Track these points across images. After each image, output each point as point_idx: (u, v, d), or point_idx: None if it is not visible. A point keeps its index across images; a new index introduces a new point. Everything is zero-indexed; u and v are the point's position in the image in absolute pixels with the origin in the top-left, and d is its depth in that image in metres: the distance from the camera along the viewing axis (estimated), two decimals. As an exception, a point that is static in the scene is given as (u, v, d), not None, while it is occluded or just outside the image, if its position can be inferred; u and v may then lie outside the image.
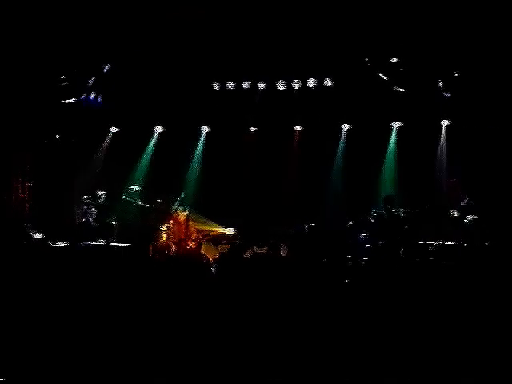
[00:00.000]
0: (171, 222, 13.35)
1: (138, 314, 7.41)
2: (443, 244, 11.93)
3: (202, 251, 13.16)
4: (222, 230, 13.94)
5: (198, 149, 14.91)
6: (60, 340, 6.71)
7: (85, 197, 13.67)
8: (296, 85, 14.03)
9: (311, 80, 13.95)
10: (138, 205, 13.60)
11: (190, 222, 13.53)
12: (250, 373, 6.02)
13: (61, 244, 12.30)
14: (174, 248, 12.92)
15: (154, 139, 14.93)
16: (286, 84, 14.06)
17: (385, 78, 13.16)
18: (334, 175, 14.16)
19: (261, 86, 14.14)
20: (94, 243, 12.77)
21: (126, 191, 13.68)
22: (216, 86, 14.25)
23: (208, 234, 13.69)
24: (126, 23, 12.69)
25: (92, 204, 13.55)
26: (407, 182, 13.44)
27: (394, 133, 14.05)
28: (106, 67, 13.84)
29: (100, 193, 13.62)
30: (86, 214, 13.52)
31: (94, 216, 13.49)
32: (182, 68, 13.69)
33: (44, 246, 12.14)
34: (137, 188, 13.75)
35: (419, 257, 11.32)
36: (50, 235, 12.60)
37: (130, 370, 6.08)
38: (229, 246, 13.33)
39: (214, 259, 12.70)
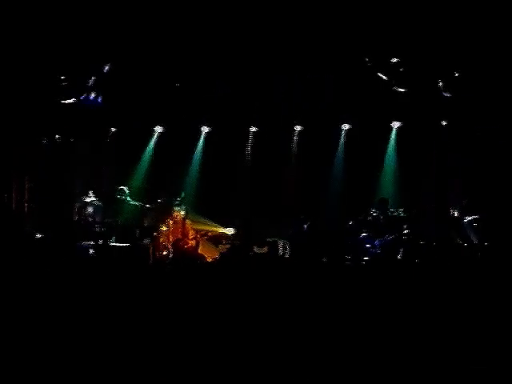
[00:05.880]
0: (171, 222, 13.34)
1: (137, 314, 7.41)
2: (444, 244, 11.94)
3: (202, 251, 13.15)
4: (221, 229, 13.93)
5: (198, 149, 14.91)
6: (60, 340, 6.71)
7: (83, 197, 13.68)
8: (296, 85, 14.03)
9: (311, 80, 13.94)
10: (134, 204, 13.60)
11: (188, 222, 13.50)
12: (250, 373, 6.03)
13: (60, 244, 12.28)
14: (172, 248, 12.91)
15: (153, 139, 14.93)
16: (285, 84, 14.05)
17: (385, 77, 13.16)
18: (334, 175, 14.16)
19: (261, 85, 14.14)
20: (93, 243, 12.75)
21: (119, 191, 13.70)
22: (216, 86, 14.24)
23: (206, 233, 13.68)
24: (126, 23, 12.69)
25: (89, 204, 13.55)
26: (407, 182, 13.45)
27: (394, 133, 14.05)
28: (106, 67, 13.84)
29: (90, 192, 13.63)
30: (84, 213, 13.52)
31: (92, 215, 13.49)
32: (182, 68, 13.70)
33: (44, 245, 12.14)
34: (125, 188, 13.75)
35: (419, 257, 11.32)
36: (50, 235, 12.59)
37: (130, 370, 6.08)
38: (229, 245, 13.33)
39: (214, 259, 12.71)
